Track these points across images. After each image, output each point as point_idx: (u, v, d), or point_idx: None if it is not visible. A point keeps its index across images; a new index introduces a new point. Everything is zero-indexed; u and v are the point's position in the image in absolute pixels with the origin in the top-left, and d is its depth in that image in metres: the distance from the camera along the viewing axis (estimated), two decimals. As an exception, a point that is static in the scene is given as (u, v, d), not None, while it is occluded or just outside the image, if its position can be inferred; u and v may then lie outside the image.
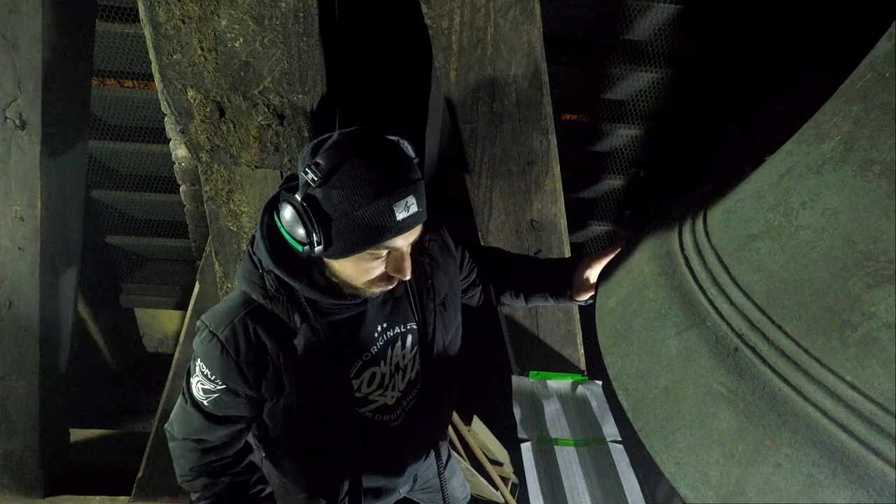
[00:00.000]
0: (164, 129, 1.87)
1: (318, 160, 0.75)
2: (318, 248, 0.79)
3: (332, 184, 0.75)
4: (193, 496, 1.00)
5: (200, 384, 0.89)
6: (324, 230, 0.77)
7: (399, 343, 1.00)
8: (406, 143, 0.82)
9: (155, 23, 1.06)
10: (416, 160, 0.83)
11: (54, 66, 1.42)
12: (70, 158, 1.64)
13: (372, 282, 0.86)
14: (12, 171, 1.51)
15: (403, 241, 0.82)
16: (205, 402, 0.90)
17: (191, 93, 1.15)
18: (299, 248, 0.81)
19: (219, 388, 0.88)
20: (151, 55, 1.11)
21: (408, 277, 0.85)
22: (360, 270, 0.84)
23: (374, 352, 0.96)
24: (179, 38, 1.08)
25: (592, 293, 1.09)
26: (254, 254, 0.88)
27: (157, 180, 2.16)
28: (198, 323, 0.91)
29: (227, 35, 1.09)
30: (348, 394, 0.95)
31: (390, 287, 0.90)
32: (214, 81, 1.13)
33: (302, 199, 0.77)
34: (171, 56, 1.10)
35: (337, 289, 0.88)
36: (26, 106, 1.43)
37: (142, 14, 1.06)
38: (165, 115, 1.80)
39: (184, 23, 1.07)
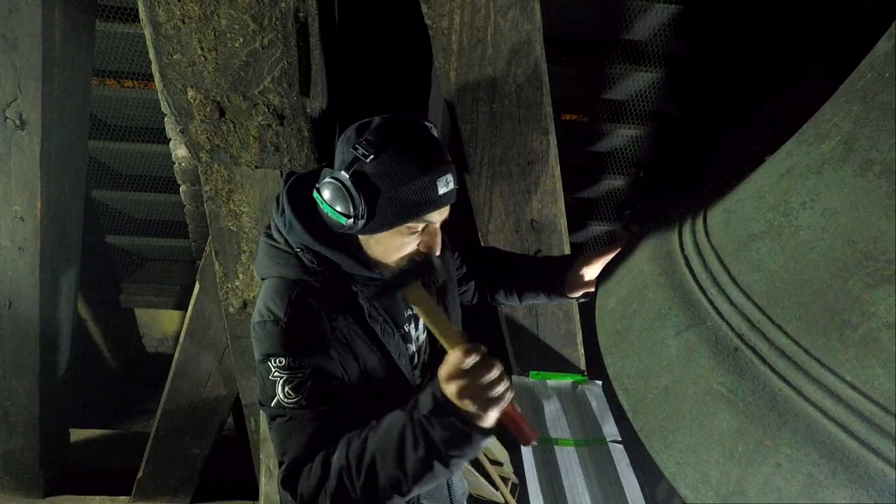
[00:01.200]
0: (164, 129, 1.86)
1: (369, 137, 0.80)
2: (361, 222, 0.82)
3: (381, 159, 0.80)
4: (329, 483, 0.80)
5: (287, 382, 0.82)
6: (370, 203, 0.81)
7: (415, 323, 1.03)
8: (434, 127, 0.88)
9: (155, 23, 1.06)
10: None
11: (54, 66, 1.42)
12: (70, 158, 1.64)
13: (403, 257, 0.89)
14: (12, 171, 1.51)
15: (440, 216, 0.87)
16: (303, 401, 0.81)
17: (191, 93, 1.15)
18: (343, 221, 0.82)
19: (307, 371, 0.82)
20: (151, 55, 1.11)
21: (438, 253, 0.89)
22: (395, 245, 0.87)
23: (406, 329, 0.99)
24: (179, 38, 1.08)
25: (586, 290, 1.11)
26: (276, 241, 0.90)
27: (157, 180, 2.16)
28: (252, 325, 0.88)
29: (227, 35, 1.08)
30: (407, 362, 0.97)
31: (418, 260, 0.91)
32: (214, 81, 1.13)
33: (351, 174, 0.81)
34: (171, 56, 1.10)
35: (372, 264, 0.91)
36: (26, 106, 1.43)
37: (142, 14, 1.06)
38: (165, 115, 1.80)
39: (184, 23, 1.06)
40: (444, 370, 0.75)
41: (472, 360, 0.73)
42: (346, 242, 0.89)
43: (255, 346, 0.87)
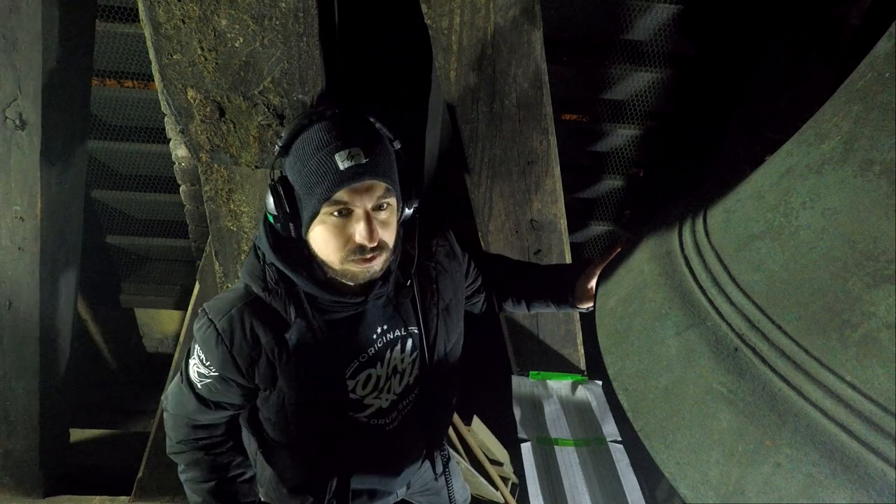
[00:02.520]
0: (164, 129, 1.87)
1: (282, 135, 0.82)
2: (291, 223, 0.84)
3: (291, 152, 0.82)
4: (179, 467, 1.05)
5: (196, 368, 0.92)
6: (289, 199, 0.83)
7: (399, 346, 0.99)
8: (375, 120, 0.85)
9: (155, 23, 1.06)
10: (384, 132, 0.85)
11: (54, 66, 1.42)
12: (70, 158, 1.63)
13: (344, 255, 0.83)
14: (12, 171, 1.51)
15: (354, 197, 0.79)
16: (198, 385, 0.93)
17: (191, 93, 1.15)
18: (281, 225, 0.85)
19: (212, 374, 0.90)
20: (151, 55, 1.11)
21: (374, 243, 0.82)
22: (325, 239, 0.83)
23: (371, 353, 0.96)
24: (179, 38, 1.08)
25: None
26: (258, 248, 0.90)
27: (157, 180, 2.16)
28: (199, 309, 0.92)
29: (227, 35, 1.08)
30: (342, 394, 0.95)
31: (368, 262, 0.84)
32: (214, 81, 1.13)
33: (272, 176, 0.85)
34: (171, 56, 1.10)
35: (335, 285, 0.89)
36: (26, 106, 1.43)
37: (142, 14, 1.06)
38: (165, 115, 1.81)
39: (184, 23, 1.07)
40: None
41: None
42: (305, 257, 0.88)
43: (195, 324, 0.91)
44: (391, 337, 0.98)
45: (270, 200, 0.84)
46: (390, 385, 1.01)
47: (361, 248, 0.82)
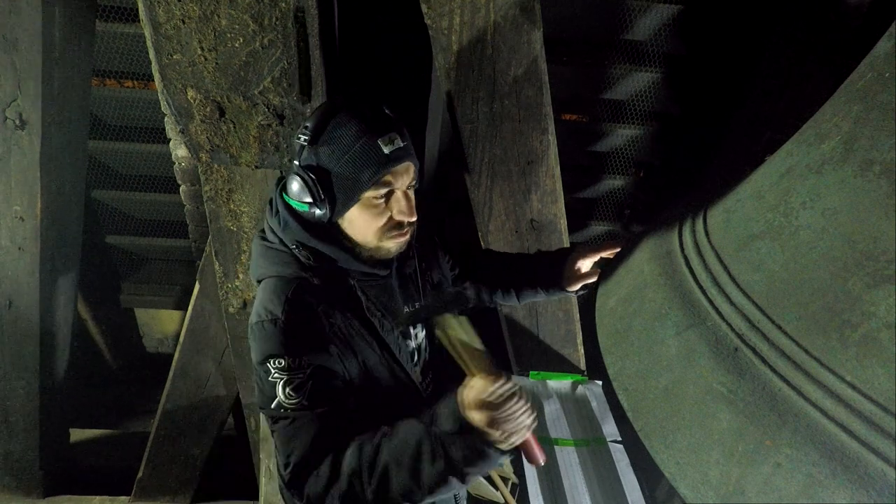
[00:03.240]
0: (164, 129, 1.86)
1: (307, 124, 0.83)
2: (326, 207, 0.84)
3: (321, 140, 0.83)
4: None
5: (288, 384, 0.80)
6: (325, 186, 0.83)
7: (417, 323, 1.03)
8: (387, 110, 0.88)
9: (155, 23, 1.06)
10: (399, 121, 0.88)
11: (54, 66, 1.42)
12: (70, 158, 1.63)
13: (383, 232, 0.88)
14: (12, 171, 1.51)
15: (397, 178, 0.85)
16: (305, 402, 0.80)
17: (191, 93, 1.15)
18: (310, 210, 0.85)
19: (307, 371, 0.81)
20: (151, 55, 1.11)
21: (414, 217, 0.88)
22: (367, 220, 0.87)
23: (405, 326, 0.99)
24: (179, 38, 1.08)
25: (584, 283, 1.11)
26: (270, 241, 0.91)
27: (157, 180, 2.16)
28: (251, 328, 0.86)
29: (227, 35, 1.08)
30: (407, 356, 0.96)
31: (404, 237, 0.90)
32: (214, 81, 1.13)
33: (299, 164, 0.85)
34: (171, 56, 1.10)
35: (367, 261, 0.91)
36: (26, 106, 1.43)
37: (142, 14, 1.06)
38: (165, 115, 1.80)
39: (184, 23, 1.07)
40: (469, 395, 0.74)
41: (500, 390, 0.73)
42: (337, 238, 0.90)
43: (252, 349, 0.86)
44: (409, 309, 1.01)
45: (296, 187, 0.84)
46: (420, 359, 1.03)
47: (400, 224, 0.88)
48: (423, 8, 1.26)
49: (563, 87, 1.81)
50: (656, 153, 2.08)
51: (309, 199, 0.84)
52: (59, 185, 1.61)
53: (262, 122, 1.20)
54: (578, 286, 1.11)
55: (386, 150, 0.82)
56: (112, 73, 1.87)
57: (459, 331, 0.81)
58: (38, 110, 1.43)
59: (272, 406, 0.81)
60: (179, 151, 1.76)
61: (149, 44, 1.09)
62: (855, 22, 1.56)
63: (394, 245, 0.90)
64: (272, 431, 0.84)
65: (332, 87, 1.38)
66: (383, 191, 0.85)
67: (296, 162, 0.86)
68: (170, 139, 1.78)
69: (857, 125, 0.52)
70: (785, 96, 1.74)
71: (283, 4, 1.06)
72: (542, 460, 0.81)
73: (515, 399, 0.73)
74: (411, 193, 0.89)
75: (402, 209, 0.87)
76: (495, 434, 0.72)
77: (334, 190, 0.84)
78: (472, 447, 0.73)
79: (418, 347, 1.03)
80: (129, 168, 2.14)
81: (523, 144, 1.46)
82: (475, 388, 0.74)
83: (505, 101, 1.39)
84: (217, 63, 1.11)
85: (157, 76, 1.13)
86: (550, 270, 1.14)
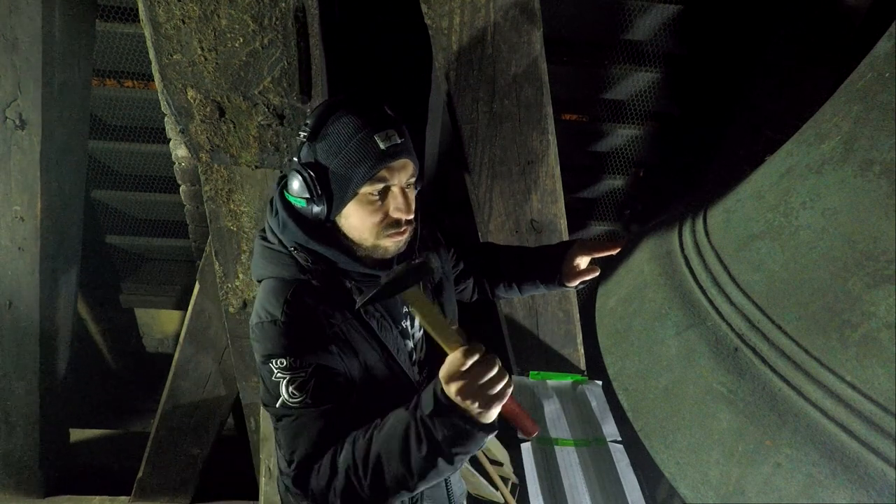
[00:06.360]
0: (164, 129, 1.86)
1: (307, 121, 0.84)
2: (324, 203, 0.84)
3: (321, 136, 0.83)
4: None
5: (291, 382, 0.81)
6: (322, 183, 0.83)
7: (411, 320, 1.02)
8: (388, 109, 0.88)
9: (155, 23, 1.06)
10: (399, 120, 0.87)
11: (54, 66, 1.42)
12: (70, 158, 1.63)
13: (380, 230, 0.87)
14: (12, 171, 1.51)
15: (393, 175, 0.84)
16: (308, 400, 0.81)
17: (191, 93, 1.15)
18: (307, 206, 0.85)
19: (309, 370, 0.82)
20: (151, 55, 1.11)
21: (411, 215, 0.87)
22: (363, 217, 0.86)
23: (403, 325, 0.99)
24: (179, 38, 1.08)
25: (583, 279, 1.12)
26: (270, 242, 0.91)
27: (157, 180, 2.16)
28: (252, 328, 0.87)
29: (227, 35, 1.08)
30: (406, 355, 0.96)
31: (402, 236, 0.89)
32: (214, 81, 1.13)
33: (299, 161, 0.85)
34: (171, 56, 1.10)
35: (365, 261, 0.90)
36: (26, 106, 1.43)
37: (142, 14, 1.06)
38: (165, 115, 1.80)
39: (184, 23, 1.07)
40: (444, 370, 0.75)
41: (471, 360, 0.73)
42: (337, 238, 0.90)
43: (255, 348, 0.87)
44: (407, 310, 1.00)
45: (297, 185, 0.84)
46: (417, 358, 1.03)
47: (397, 222, 0.87)
48: (423, 8, 1.26)
49: (563, 87, 1.81)
50: (656, 153, 2.08)
51: (307, 196, 0.84)
52: (59, 185, 1.61)
53: (262, 122, 1.19)
54: (577, 282, 1.12)
55: (382, 146, 0.82)
56: (112, 73, 1.87)
57: (430, 307, 0.82)
58: (38, 110, 1.43)
59: (277, 405, 0.83)
60: (179, 151, 1.77)
61: (149, 44, 1.09)
62: (855, 22, 1.56)
63: (391, 244, 0.89)
64: (276, 429, 0.86)
65: (333, 86, 1.38)
66: (379, 186, 0.84)
67: (295, 159, 0.87)
68: (170, 139, 1.78)
69: (857, 125, 0.52)
70: (785, 96, 1.74)
71: (283, 4, 1.06)
72: (534, 430, 0.82)
73: (486, 367, 0.73)
74: (410, 191, 0.88)
75: (399, 206, 0.86)
76: (472, 407, 0.72)
77: (331, 186, 0.84)
78: (453, 426, 0.73)
79: (416, 346, 1.04)
80: (129, 168, 2.14)
81: (523, 144, 1.46)
82: (448, 362, 0.75)
83: (505, 101, 1.39)
84: (217, 63, 1.11)
85: (157, 76, 1.13)
86: (549, 265, 1.14)
